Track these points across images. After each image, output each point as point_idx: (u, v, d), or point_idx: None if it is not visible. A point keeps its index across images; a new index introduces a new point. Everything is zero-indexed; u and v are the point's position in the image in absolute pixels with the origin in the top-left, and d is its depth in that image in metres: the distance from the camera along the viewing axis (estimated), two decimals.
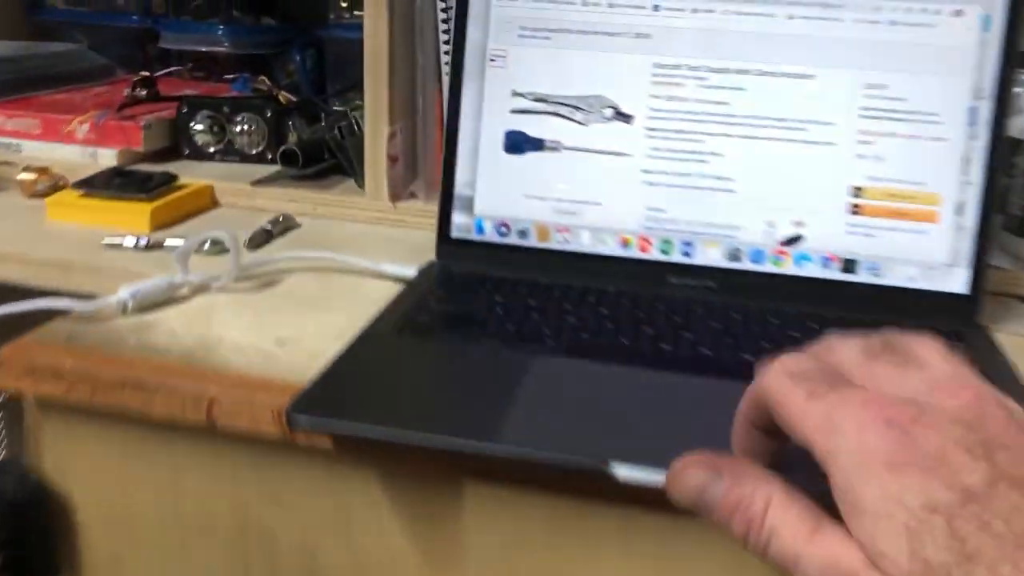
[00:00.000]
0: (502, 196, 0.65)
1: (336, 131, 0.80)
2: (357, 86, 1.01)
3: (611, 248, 0.64)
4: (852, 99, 0.60)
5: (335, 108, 0.99)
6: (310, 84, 1.05)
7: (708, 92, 0.61)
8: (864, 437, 0.28)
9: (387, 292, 0.62)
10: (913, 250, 0.60)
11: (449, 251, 0.66)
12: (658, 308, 0.58)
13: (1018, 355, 0.56)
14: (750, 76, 0.61)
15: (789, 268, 0.61)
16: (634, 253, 0.63)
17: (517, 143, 0.64)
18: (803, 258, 0.61)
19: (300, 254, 0.66)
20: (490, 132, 0.65)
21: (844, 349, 0.32)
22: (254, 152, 0.87)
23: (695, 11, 0.61)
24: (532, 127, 0.64)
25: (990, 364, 0.54)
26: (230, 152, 0.87)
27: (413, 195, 0.79)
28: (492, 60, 0.64)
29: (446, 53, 0.72)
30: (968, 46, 0.58)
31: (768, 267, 0.62)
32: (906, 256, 0.60)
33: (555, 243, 0.64)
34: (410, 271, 0.64)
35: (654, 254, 0.63)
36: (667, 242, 0.63)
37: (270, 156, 0.87)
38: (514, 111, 0.64)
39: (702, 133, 0.62)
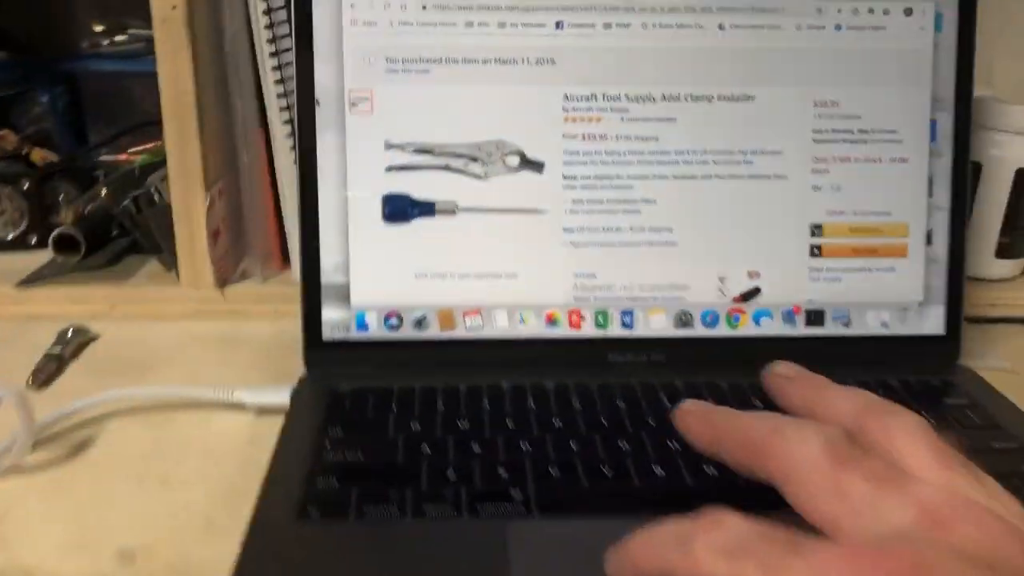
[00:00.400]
0: (387, 278, 0.50)
1: (130, 203, 0.60)
2: (130, 131, 0.82)
3: (535, 329, 0.50)
4: (801, 121, 0.50)
5: (109, 163, 0.79)
6: (68, 133, 0.83)
7: (632, 126, 0.50)
8: None
9: (250, 434, 0.46)
10: (883, 291, 0.51)
11: (323, 359, 0.50)
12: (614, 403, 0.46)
13: (1009, 388, 0.49)
14: (680, 103, 0.50)
15: (748, 328, 0.51)
16: (564, 331, 0.51)
17: (400, 209, 0.50)
18: (762, 314, 0.51)
19: (114, 393, 0.47)
20: (361, 198, 0.49)
21: (800, 450, 0.26)
22: (11, 237, 0.66)
23: (607, 27, 0.49)
24: (417, 186, 0.49)
25: (986, 406, 0.46)
26: None
27: (245, 274, 0.62)
28: (353, 104, 0.49)
29: (279, 96, 0.55)
30: (922, 50, 0.50)
31: (723, 330, 0.51)
32: (876, 299, 0.51)
33: (463, 331, 0.50)
34: (278, 397, 0.47)
35: (588, 330, 0.51)
36: (603, 313, 0.51)
37: (34, 240, 0.66)
38: (391, 168, 0.49)
39: (630, 177, 0.50)
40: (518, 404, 0.46)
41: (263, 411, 0.48)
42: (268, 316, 0.60)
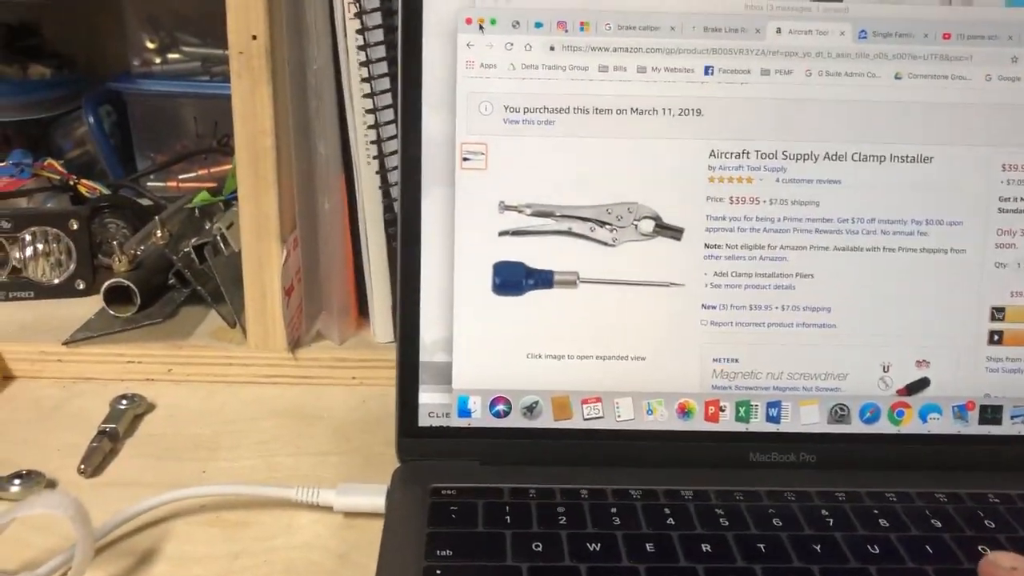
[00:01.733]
0: (494, 358, 0.43)
1: (192, 251, 0.54)
2: (183, 159, 0.75)
3: (665, 420, 0.43)
4: (986, 187, 0.43)
5: (159, 193, 0.72)
6: (115, 157, 0.77)
7: (788, 188, 0.42)
8: None
9: (340, 546, 0.39)
10: None
11: (419, 449, 0.43)
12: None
13: None
14: (846, 163, 0.42)
15: (913, 425, 0.44)
16: (699, 424, 0.43)
17: (513, 279, 0.43)
18: (930, 409, 0.44)
19: (180, 493, 0.41)
20: (470, 266, 0.42)
21: None
22: (56, 283, 0.59)
23: (764, 73, 0.42)
24: (533, 254, 0.42)
25: None
26: (17, 287, 0.59)
27: (319, 335, 0.55)
28: (466, 159, 0.42)
29: (372, 142, 0.49)
30: None
31: (884, 426, 0.44)
32: None
33: (581, 421, 0.43)
34: (370, 500, 0.41)
35: (727, 423, 0.44)
36: (744, 405, 0.43)
37: (81, 286, 0.59)
38: (505, 232, 0.42)
39: (783, 247, 0.43)
40: (654, 518, 0.39)
41: (353, 513, 0.41)
42: (345, 383, 0.53)
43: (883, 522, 0.39)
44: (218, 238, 0.53)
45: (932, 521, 0.39)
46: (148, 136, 0.79)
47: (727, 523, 0.39)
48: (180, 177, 0.78)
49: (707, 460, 0.43)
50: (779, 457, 0.43)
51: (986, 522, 0.39)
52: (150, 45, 0.79)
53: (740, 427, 0.43)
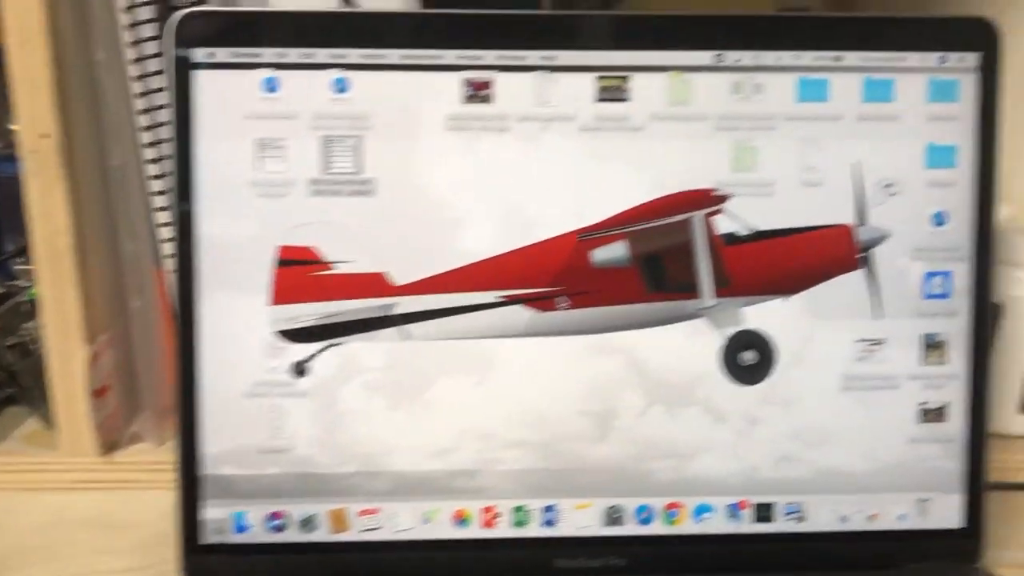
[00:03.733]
0: (271, 470, 0.41)
1: (5, 350, 0.52)
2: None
3: (445, 530, 0.41)
4: None
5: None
6: None
7: None
8: None
9: None
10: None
11: (204, 566, 0.41)
12: None
13: None
14: None
15: (687, 525, 0.42)
16: (477, 532, 0.41)
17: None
18: (704, 509, 0.42)
19: None
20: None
21: None
22: None
23: None
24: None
25: None
26: None
27: (137, 437, 0.53)
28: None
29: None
30: None
31: (659, 528, 0.42)
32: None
33: (358, 533, 0.41)
34: None
35: (504, 529, 0.41)
36: (520, 509, 0.41)
37: None
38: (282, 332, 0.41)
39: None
40: None
41: None
42: (163, 487, 0.50)
43: None
44: (28, 339, 0.51)
45: None
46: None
47: None
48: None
49: (499, 569, 0.41)
50: (587, 563, 0.41)
51: None
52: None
53: (519, 533, 0.41)
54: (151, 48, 0.45)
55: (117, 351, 0.51)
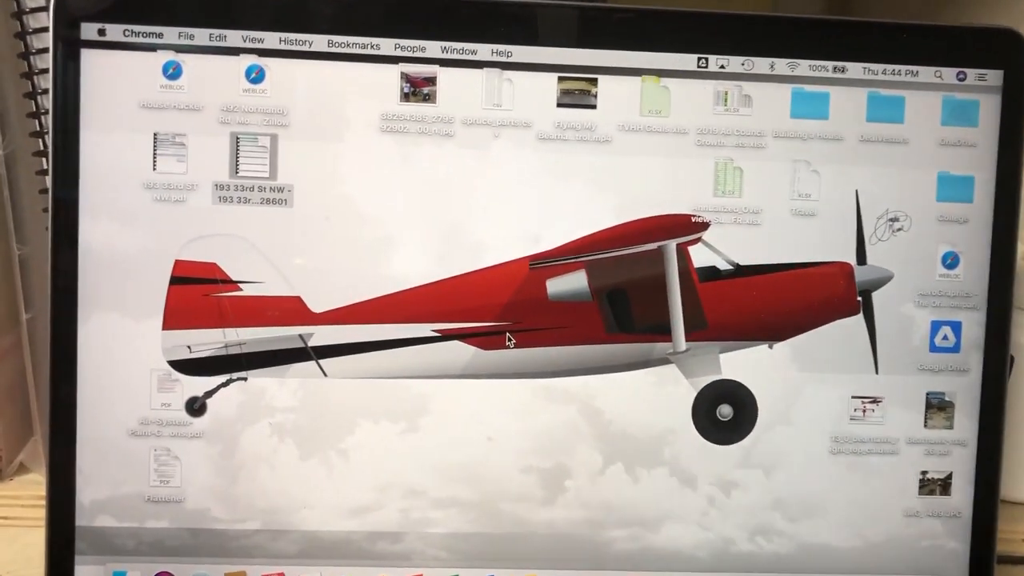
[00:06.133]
0: (158, 523, 0.35)
1: None
2: None
3: None
4: None
5: None
6: None
7: None
8: None
9: None
10: None
11: None
12: None
13: None
14: None
15: None
16: None
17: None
18: None
19: None
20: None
21: None
22: None
23: None
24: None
25: None
26: None
27: (24, 468, 0.46)
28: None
29: None
30: None
31: None
32: None
33: None
34: None
35: None
36: None
37: None
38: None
39: None
40: None
41: None
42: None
43: None
44: None
45: None
46: None
47: None
48: None
49: None
50: None
51: None
52: None
53: None
54: (41, 20, 0.39)
55: (7, 368, 0.45)
